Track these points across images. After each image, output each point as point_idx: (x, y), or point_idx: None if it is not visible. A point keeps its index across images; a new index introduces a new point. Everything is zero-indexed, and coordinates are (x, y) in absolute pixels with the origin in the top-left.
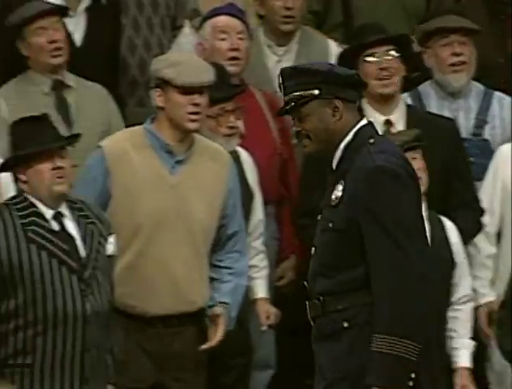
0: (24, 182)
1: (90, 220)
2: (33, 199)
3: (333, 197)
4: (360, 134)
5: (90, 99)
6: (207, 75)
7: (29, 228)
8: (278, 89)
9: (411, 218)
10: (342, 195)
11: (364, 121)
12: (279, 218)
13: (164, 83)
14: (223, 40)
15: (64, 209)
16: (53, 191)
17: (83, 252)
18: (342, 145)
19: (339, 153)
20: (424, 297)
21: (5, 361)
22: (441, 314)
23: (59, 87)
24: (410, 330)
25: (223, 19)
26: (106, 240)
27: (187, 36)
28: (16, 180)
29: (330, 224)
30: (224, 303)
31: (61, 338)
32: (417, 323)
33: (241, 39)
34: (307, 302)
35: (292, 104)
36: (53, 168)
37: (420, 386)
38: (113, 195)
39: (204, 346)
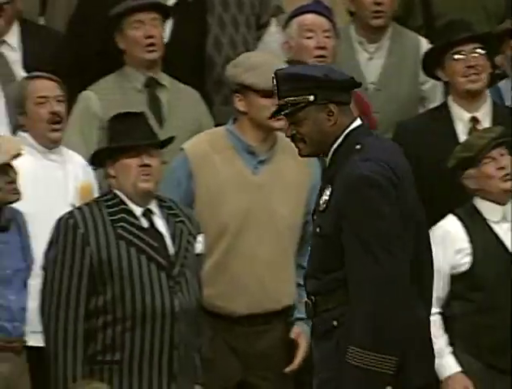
0: (113, 177)
1: (179, 219)
2: (123, 196)
3: (321, 201)
4: (349, 137)
5: (182, 99)
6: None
7: (119, 224)
8: (368, 86)
9: (391, 230)
10: (329, 200)
11: (356, 123)
12: None
13: (244, 88)
14: (309, 38)
15: (153, 207)
16: (137, 188)
17: (171, 249)
18: (332, 148)
19: (329, 155)
20: (400, 310)
21: (94, 358)
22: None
23: (153, 84)
24: (382, 343)
25: (309, 17)
26: (195, 239)
27: (273, 35)
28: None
29: (318, 230)
30: (304, 319)
31: (149, 334)
32: (391, 337)
33: (327, 37)
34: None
35: (288, 109)
36: (140, 166)
37: None
38: (196, 196)
39: (288, 368)
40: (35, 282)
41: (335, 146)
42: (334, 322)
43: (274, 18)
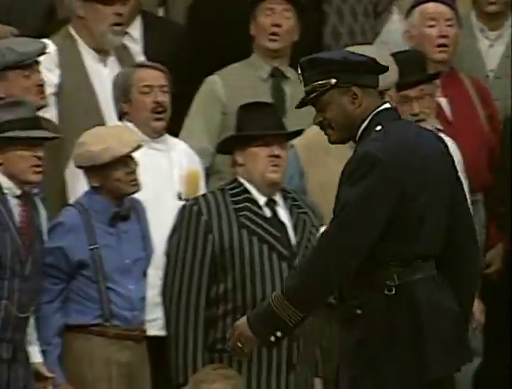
0: (240, 165)
1: (302, 210)
2: (248, 185)
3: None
4: (375, 118)
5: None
6: (395, 75)
7: (242, 213)
8: (488, 74)
9: (373, 209)
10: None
11: (384, 106)
12: (488, 206)
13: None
14: (431, 26)
15: (277, 197)
16: (265, 178)
17: (293, 240)
18: (360, 130)
19: (357, 138)
20: (328, 283)
21: (213, 346)
22: None
23: (278, 75)
24: (301, 302)
25: (432, 6)
26: (317, 230)
27: (395, 24)
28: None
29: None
30: None
31: None
32: (311, 300)
33: (449, 26)
34: None
35: (313, 94)
36: (270, 156)
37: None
38: (308, 192)
39: None
40: (153, 272)
41: (362, 128)
42: (358, 311)
43: (394, 6)
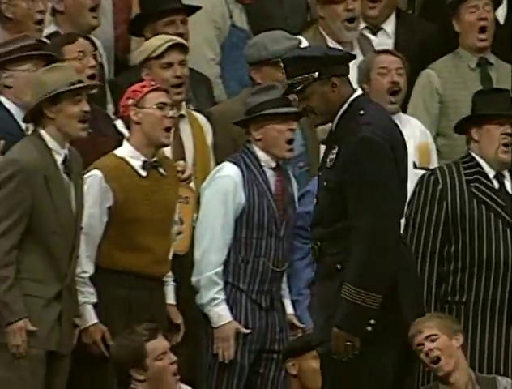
0: (475, 142)
1: None
2: (480, 160)
3: (328, 159)
4: (354, 103)
5: (508, 78)
6: None
7: (473, 184)
8: None
9: (387, 184)
10: (336, 158)
11: (358, 92)
12: None
13: None
14: None
15: (505, 171)
16: (497, 157)
17: None
18: (339, 113)
19: (335, 120)
20: (388, 257)
21: (445, 297)
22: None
23: (484, 64)
24: (373, 283)
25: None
26: None
27: None
28: None
29: (325, 183)
30: None
31: (491, 281)
32: (378, 279)
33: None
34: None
35: (298, 87)
36: (503, 133)
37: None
38: None
39: None
40: None
41: (341, 113)
42: (338, 266)
43: None
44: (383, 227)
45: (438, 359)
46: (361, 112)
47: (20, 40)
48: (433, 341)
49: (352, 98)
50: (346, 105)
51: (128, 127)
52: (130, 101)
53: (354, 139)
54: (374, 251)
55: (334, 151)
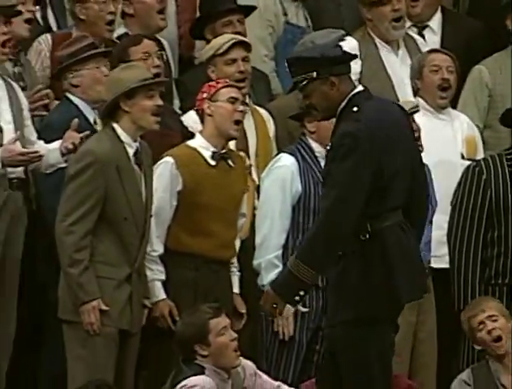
0: None
1: None
2: None
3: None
4: (352, 100)
5: None
6: None
7: None
8: None
9: (354, 180)
10: (327, 153)
11: (358, 89)
12: None
13: None
14: None
15: None
16: None
17: None
18: (338, 110)
19: (336, 118)
20: (335, 244)
21: (489, 281)
22: None
23: None
24: (312, 260)
25: None
26: None
27: None
28: None
29: (321, 179)
30: None
31: None
32: (320, 258)
33: None
34: None
35: (300, 85)
36: None
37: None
38: None
39: None
40: (436, 218)
41: (340, 108)
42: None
43: None
44: (337, 216)
45: (499, 338)
46: (355, 109)
47: (79, 42)
48: (494, 321)
49: (350, 95)
50: (345, 102)
51: (202, 120)
52: (205, 95)
53: (338, 134)
54: (321, 233)
55: (328, 147)
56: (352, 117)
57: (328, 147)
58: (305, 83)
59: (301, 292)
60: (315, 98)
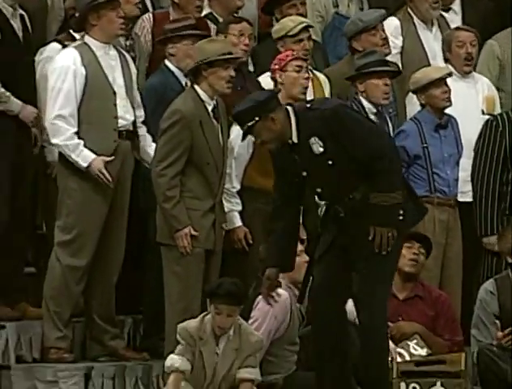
0: None
1: None
2: None
3: (314, 149)
4: (297, 111)
5: None
6: None
7: None
8: None
9: (368, 121)
10: (324, 144)
11: (289, 107)
12: None
13: None
14: None
15: None
16: None
17: None
18: (293, 126)
19: (294, 131)
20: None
21: (504, 212)
22: None
23: None
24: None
25: None
26: None
27: None
28: None
29: (330, 162)
30: None
31: None
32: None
33: None
34: None
35: (247, 131)
36: None
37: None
38: None
39: None
40: (462, 161)
41: (294, 125)
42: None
43: None
44: (388, 148)
45: None
46: (308, 105)
47: (183, 20)
48: None
49: (290, 110)
50: (292, 117)
51: (276, 86)
52: (276, 66)
53: (321, 116)
54: (388, 166)
55: (315, 140)
56: (314, 107)
57: (318, 146)
58: (251, 126)
59: (401, 212)
60: (264, 135)
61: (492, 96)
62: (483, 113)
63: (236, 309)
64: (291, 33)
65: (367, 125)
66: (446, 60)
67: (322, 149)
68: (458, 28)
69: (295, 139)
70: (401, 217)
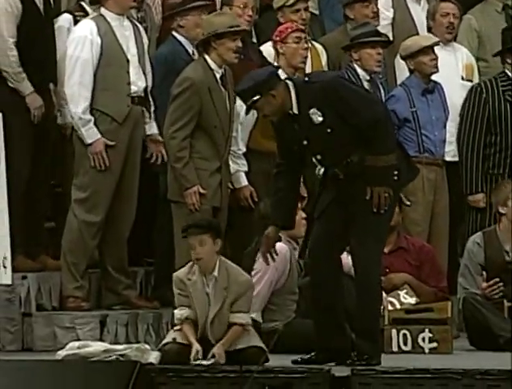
0: (509, 63)
1: None
2: None
3: (314, 121)
4: (297, 85)
5: None
6: None
7: (506, 93)
8: None
9: (363, 90)
10: (323, 114)
11: (289, 82)
12: None
13: None
14: None
15: None
16: None
17: None
18: (293, 99)
19: (294, 104)
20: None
21: (487, 171)
22: None
23: (507, 8)
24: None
25: None
26: None
27: None
28: None
29: (328, 130)
30: None
31: None
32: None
33: None
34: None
35: (250, 106)
36: None
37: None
38: None
39: None
40: (452, 123)
41: (294, 98)
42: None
43: None
44: (382, 115)
45: None
46: (306, 79)
47: None
48: None
49: (292, 89)
50: (292, 91)
51: (277, 56)
52: (277, 38)
53: (319, 88)
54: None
55: (314, 111)
56: (312, 81)
57: (318, 116)
58: (253, 102)
59: (396, 172)
60: (265, 110)
61: (470, 63)
62: (462, 79)
63: (206, 238)
64: (288, 3)
65: (361, 94)
66: (429, 28)
67: (321, 119)
68: (443, 0)
69: (295, 111)
70: (396, 177)
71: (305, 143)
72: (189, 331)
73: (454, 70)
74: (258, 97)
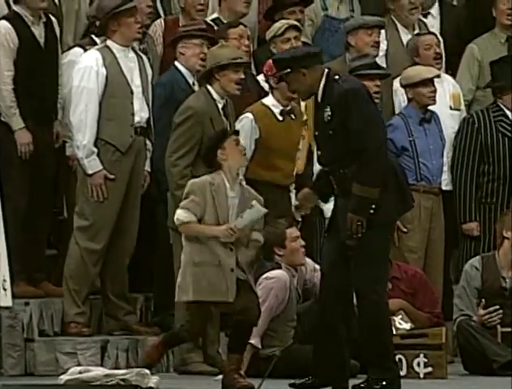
0: (499, 98)
1: None
2: (503, 107)
3: (324, 117)
4: (329, 76)
5: None
6: None
7: (498, 123)
8: None
9: (374, 114)
10: (331, 113)
11: (326, 70)
12: None
13: None
14: None
15: None
16: None
17: None
18: (320, 87)
19: (320, 93)
20: (384, 165)
21: (480, 200)
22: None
23: (510, 40)
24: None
25: None
26: None
27: None
28: None
29: (330, 132)
30: None
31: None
32: (377, 176)
33: None
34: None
35: (281, 78)
36: None
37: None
38: None
39: None
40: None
41: (322, 85)
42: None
43: None
44: (380, 143)
45: None
46: (336, 77)
47: (193, 25)
48: None
49: (325, 75)
50: (323, 80)
51: (270, 87)
52: (269, 73)
53: (341, 93)
54: (378, 158)
55: (328, 110)
56: (338, 82)
57: (328, 113)
58: (284, 76)
59: (373, 206)
60: (293, 85)
61: (457, 92)
62: (450, 108)
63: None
64: (278, 33)
65: (369, 117)
66: (416, 64)
67: (329, 118)
68: (419, 34)
69: (319, 99)
70: (372, 211)
71: (316, 133)
72: (198, 229)
73: (443, 100)
74: (287, 71)
